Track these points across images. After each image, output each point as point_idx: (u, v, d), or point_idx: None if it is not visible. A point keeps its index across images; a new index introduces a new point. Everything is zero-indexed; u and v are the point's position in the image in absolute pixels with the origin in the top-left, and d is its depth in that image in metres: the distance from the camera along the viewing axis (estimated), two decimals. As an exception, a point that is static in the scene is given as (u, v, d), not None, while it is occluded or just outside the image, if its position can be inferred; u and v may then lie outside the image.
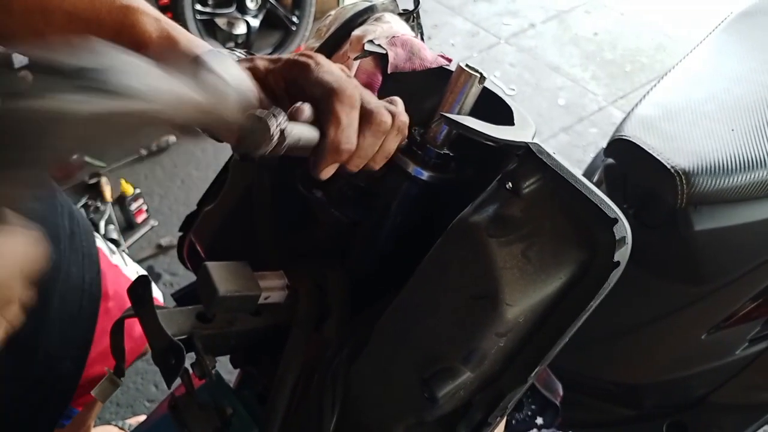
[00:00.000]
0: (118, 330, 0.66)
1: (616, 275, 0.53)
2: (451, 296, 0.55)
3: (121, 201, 2.32)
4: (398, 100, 0.57)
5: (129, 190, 2.32)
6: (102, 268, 0.93)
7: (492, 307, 0.53)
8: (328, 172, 0.53)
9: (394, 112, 0.54)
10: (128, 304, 0.65)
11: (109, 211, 2.34)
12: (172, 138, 2.69)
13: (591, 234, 0.53)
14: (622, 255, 0.53)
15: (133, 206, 2.31)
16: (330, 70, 0.52)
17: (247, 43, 2.89)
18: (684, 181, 0.94)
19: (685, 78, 1.18)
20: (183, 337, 0.59)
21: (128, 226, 2.33)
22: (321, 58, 0.53)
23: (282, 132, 0.45)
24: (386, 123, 0.53)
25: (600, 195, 0.53)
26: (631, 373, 1.26)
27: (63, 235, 0.81)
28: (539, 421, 1.32)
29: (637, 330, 1.20)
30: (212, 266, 0.60)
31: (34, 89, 0.35)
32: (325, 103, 0.50)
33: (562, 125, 2.96)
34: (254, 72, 0.54)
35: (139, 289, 0.60)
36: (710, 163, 0.97)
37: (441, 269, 0.57)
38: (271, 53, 3.00)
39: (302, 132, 0.49)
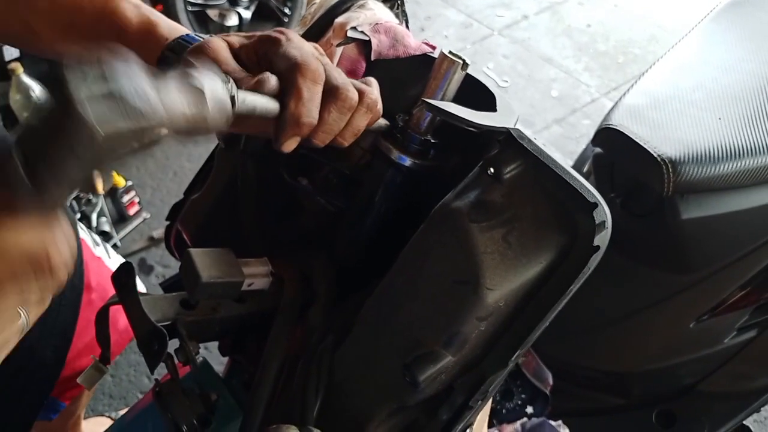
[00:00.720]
0: (102, 318, 0.66)
1: (596, 260, 0.53)
2: (433, 281, 0.56)
3: (113, 193, 2.31)
4: (372, 80, 0.57)
5: (121, 182, 2.31)
6: (85, 260, 0.93)
7: (473, 292, 0.53)
8: (289, 146, 0.52)
9: (363, 90, 0.54)
10: (111, 295, 0.65)
11: (101, 203, 2.33)
12: (164, 130, 2.69)
13: (571, 218, 0.54)
14: (602, 239, 0.53)
15: (125, 198, 2.30)
16: (299, 45, 0.52)
17: (239, 35, 2.87)
18: (671, 170, 0.95)
19: (673, 67, 1.19)
20: (167, 323, 0.59)
21: (120, 218, 2.32)
22: (292, 34, 0.53)
23: (232, 99, 0.45)
24: (352, 99, 0.53)
25: (580, 180, 0.53)
26: (620, 361, 1.27)
27: None
28: (529, 410, 1.33)
29: (625, 319, 1.21)
30: (195, 253, 0.60)
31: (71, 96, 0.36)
32: (288, 76, 0.50)
33: (555, 117, 2.96)
34: (229, 47, 0.54)
35: (123, 276, 0.60)
36: (697, 151, 0.97)
37: (423, 255, 0.57)
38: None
39: (258, 101, 0.48)
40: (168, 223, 0.86)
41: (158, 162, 2.59)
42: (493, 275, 0.53)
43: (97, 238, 1.08)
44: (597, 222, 0.52)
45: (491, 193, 0.55)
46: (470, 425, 0.65)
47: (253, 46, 0.54)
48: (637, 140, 0.97)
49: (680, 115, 1.04)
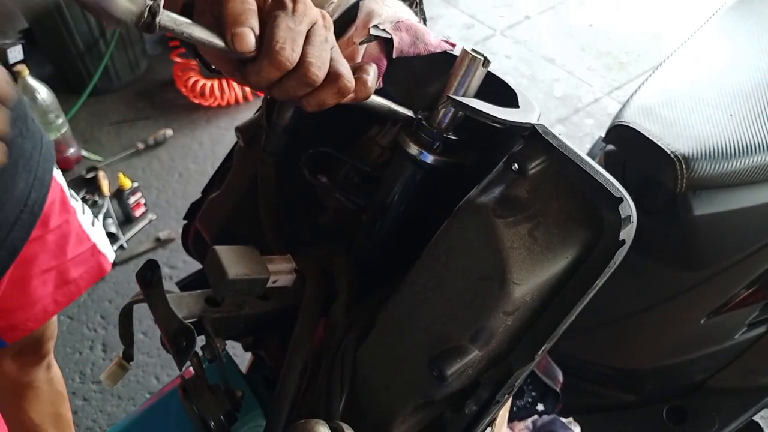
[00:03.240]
0: (126, 316, 0.67)
1: (621, 254, 0.54)
2: (459, 277, 0.56)
3: (119, 195, 2.31)
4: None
5: (127, 183, 2.31)
6: (53, 199, 0.98)
7: (499, 287, 0.53)
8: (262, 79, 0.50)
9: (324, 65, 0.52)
10: (136, 292, 0.65)
11: (107, 205, 2.34)
12: (170, 132, 2.69)
13: (596, 213, 0.54)
14: (628, 233, 0.53)
15: (131, 200, 2.31)
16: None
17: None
18: (683, 166, 0.95)
19: (684, 64, 1.19)
20: (193, 320, 0.59)
21: (126, 219, 2.33)
22: None
23: (150, 8, 0.43)
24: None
25: (605, 175, 0.54)
26: (631, 358, 1.27)
27: (19, 154, 0.85)
28: (540, 407, 1.34)
29: (636, 315, 1.21)
30: (221, 250, 0.60)
31: None
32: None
33: (558, 116, 2.96)
34: None
35: (148, 273, 0.60)
36: (709, 148, 0.98)
37: (448, 251, 0.57)
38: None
39: (194, 30, 0.47)
40: (185, 222, 0.87)
41: (164, 164, 2.59)
42: (519, 270, 0.54)
43: (87, 208, 1.13)
44: (623, 216, 0.53)
45: (516, 188, 0.56)
46: (494, 420, 0.65)
47: None
48: (650, 137, 0.98)
49: (692, 112, 1.05)
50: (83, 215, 1.11)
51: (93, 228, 1.14)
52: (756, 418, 1.37)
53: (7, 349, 1.09)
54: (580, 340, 1.29)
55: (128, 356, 0.67)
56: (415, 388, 0.57)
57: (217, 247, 0.60)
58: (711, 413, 1.28)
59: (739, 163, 1.00)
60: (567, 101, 3.05)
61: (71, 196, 1.08)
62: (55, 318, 1.17)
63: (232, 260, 0.60)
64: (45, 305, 1.06)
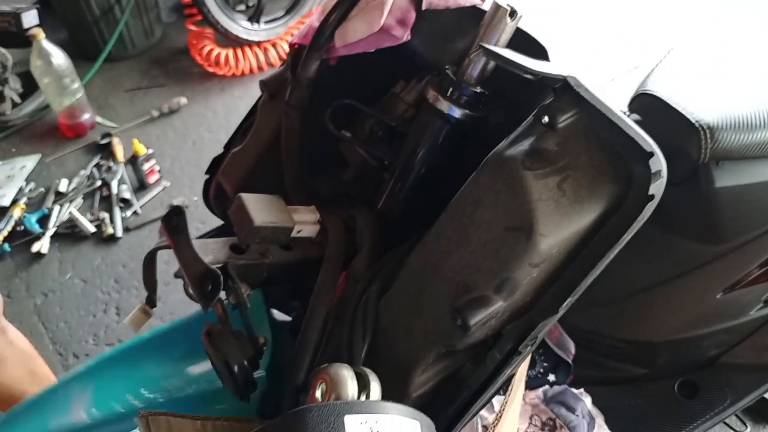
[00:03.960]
0: (150, 262, 0.67)
1: (650, 209, 0.53)
2: (485, 228, 0.56)
3: (133, 161, 2.32)
4: None
5: (141, 150, 2.32)
6: None
7: (526, 238, 0.53)
8: None
9: None
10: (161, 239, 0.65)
11: (121, 171, 2.35)
12: (184, 100, 2.69)
13: (626, 167, 0.54)
14: (657, 188, 0.53)
15: (146, 166, 2.31)
16: None
17: (258, 7, 2.86)
18: (708, 136, 0.94)
19: (711, 34, 1.17)
20: (218, 265, 0.59)
21: (140, 186, 2.34)
22: None
23: None
24: None
25: (636, 129, 0.53)
26: (644, 331, 1.27)
27: None
28: (551, 378, 1.34)
29: (652, 289, 1.21)
30: (247, 197, 0.61)
31: None
32: None
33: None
34: None
35: (174, 218, 0.61)
36: (735, 118, 0.96)
37: (474, 203, 0.57)
38: (282, 17, 2.97)
39: None
40: (207, 177, 0.87)
41: (177, 131, 2.59)
42: (547, 222, 0.53)
43: None
44: (653, 171, 0.52)
45: (546, 141, 0.55)
46: (513, 375, 0.66)
47: None
48: (674, 105, 0.96)
49: (717, 82, 1.03)
50: None
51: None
52: None
53: None
54: (593, 313, 1.29)
55: (151, 302, 0.67)
56: (438, 338, 0.57)
57: (244, 195, 0.61)
58: (723, 389, 1.28)
59: (764, 135, 0.98)
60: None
61: None
62: None
63: (258, 208, 0.60)
64: None
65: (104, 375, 0.75)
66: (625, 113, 1.17)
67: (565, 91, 0.55)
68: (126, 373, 0.75)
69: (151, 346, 0.77)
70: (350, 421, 0.46)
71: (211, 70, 2.86)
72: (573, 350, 1.35)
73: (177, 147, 2.52)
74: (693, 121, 0.95)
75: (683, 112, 0.97)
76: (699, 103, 1.00)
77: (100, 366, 0.75)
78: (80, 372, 0.75)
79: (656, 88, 1.03)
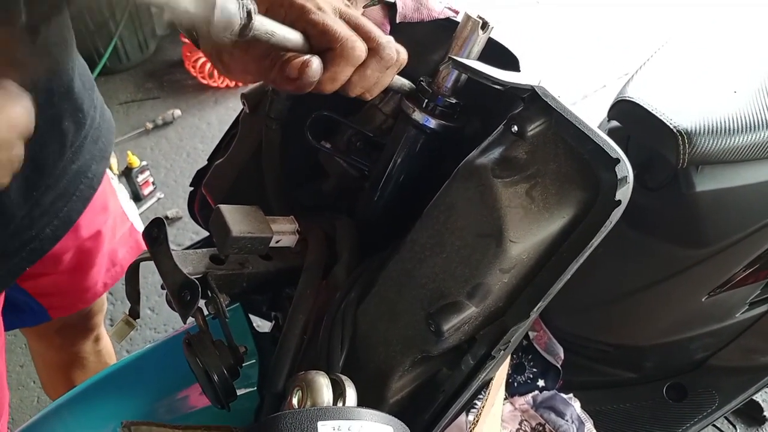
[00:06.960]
0: (132, 274, 0.68)
1: (617, 214, 0.54)
2: (458, 235, 0.57)
3: (127, 173, 2.33)
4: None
5: (135, 162, 2.33)
6: (107, 184, 0.98)
7: (497, 244, 0.55)
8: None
9: (399, 48, 0.55)
10: (142, 251, 0.67)
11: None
12: (178, 112, 2.71)
13: (593, 174, 0.55)
14: (624, 194, 0.54)
15: (140, 178, 2.33)
16: (333, 18, 0.51)
17: None
18: (686, 141, 0.96)
19: (688, 41, 1.19)
20: (197, 276, 0.60)
21: (135, 197, 2.35)
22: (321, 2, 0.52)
23: (249, 13, 0.43)
24: (392, 59, 0.53)
25: (603, 136, 0.55)
26: (632, 335, 1.28)
27: (89, 124, 0.85)
28: (541, 383, 1.35)
29: (638, 293, 1.22)
30: (225, 208, 0.62)
31: None
32: (327, 56, 0.50)
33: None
34: None
35: (154, 230, 0.62)
36: (712, 123, 0.98)
37: (448, 210, 0.59)
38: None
39: (277, 29, 0.47)
40: (191, 189, 0.88)
41: (172, 143, 2.61)
42: (516, 228, 0.55)
43: (125, 190, 1.12)
44: (619, 177, 0.54)
45: (515, 149, 0.57)
46: (490, 379, 0.67)
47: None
48: (652, 111, 0.98)
49: (695, 88, 1.05)
50: (121, 193, 1.11)
51: (128, 205, 1.13)
52: (757, 397, 1.38)
53: (52, 323, 1.09)
54: (581, 318, 1.30)
55: (134, 313, 0.68)
56: (414, 344, 0.58)
57: (222, 206, 0.62)
58: (711, 391, 1.29)
59: (741, 140, 1.00)
60: (575, 86, 3.04)
61: (117, 184, 1.07)
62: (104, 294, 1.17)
63: (236, 219, 0.61)
64: (96, 289, 1.07)
65: (91, 401, 0.74)
66: (605, 120, 1.18)
67: (533, 100, 0.56)
68: (114, 399, 0.75)
69: (139, 367, 0.77)
70: (323, 427, 0.47)
71: (205, 82, 2.88)
72: (562, 355, 1.36)
73: (171, 159, 2.54)
74: (671, 126, 0.97)
75: (662, 117, 0.98)
76: (677, 108, 1.02)
77: (86, 392, 0.75)
78: (68, 398, 0.75)
79: (636, 95, 1.04)
